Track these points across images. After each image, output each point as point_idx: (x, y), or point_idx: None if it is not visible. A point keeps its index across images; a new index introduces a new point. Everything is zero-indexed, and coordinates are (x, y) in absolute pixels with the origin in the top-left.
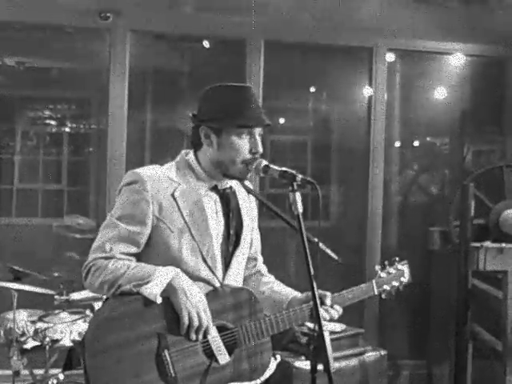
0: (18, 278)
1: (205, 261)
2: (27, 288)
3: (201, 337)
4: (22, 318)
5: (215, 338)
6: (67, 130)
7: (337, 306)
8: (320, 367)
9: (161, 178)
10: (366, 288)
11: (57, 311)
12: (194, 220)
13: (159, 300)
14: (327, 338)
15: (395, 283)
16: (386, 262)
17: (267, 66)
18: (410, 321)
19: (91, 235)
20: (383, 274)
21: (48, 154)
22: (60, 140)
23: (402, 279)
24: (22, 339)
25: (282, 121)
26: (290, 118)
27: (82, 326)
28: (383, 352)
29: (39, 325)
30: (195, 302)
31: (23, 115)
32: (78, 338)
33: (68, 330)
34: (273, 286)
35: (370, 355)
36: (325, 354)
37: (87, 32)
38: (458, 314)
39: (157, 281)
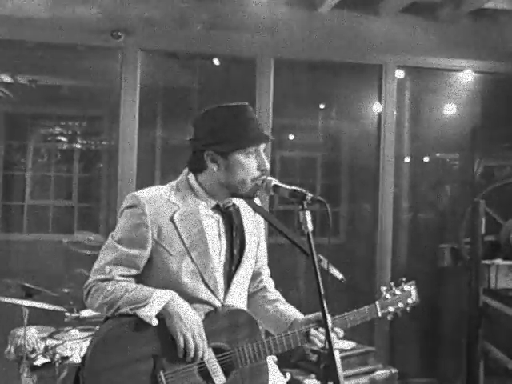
0: (28, 295)
1: (205, 283)
2: (38, 305)
3: (196, 359)
4: (32, 334)
5: (211, 360)
6: (78, 146)
7: (337, 329)
8: None
9: (160, 202)
10: (369, 310)
11: (67, 328)
12: (193, 243)
13: (155, 322)
14: (337, 356)
15: (401, 305)
16: (392, 283)
17: (277, 83)
18: (421, 338)
19: None
20: (388, 296)
21: (59, 171)
22: (71, 157)
23: (409, 301)
24: (32, 356)
25: (291, 137)
26: (299, 134)
27: None
28: (394, 370)
29: (49, 342)
30: (190, 325)
31: (35, 132)
32: None
33: (78, 347)
34: (278, 304)
35: (381, 373)
36: (335, 373)
37: (99, 50)
38: (469, 332)
39: (153, 304)
